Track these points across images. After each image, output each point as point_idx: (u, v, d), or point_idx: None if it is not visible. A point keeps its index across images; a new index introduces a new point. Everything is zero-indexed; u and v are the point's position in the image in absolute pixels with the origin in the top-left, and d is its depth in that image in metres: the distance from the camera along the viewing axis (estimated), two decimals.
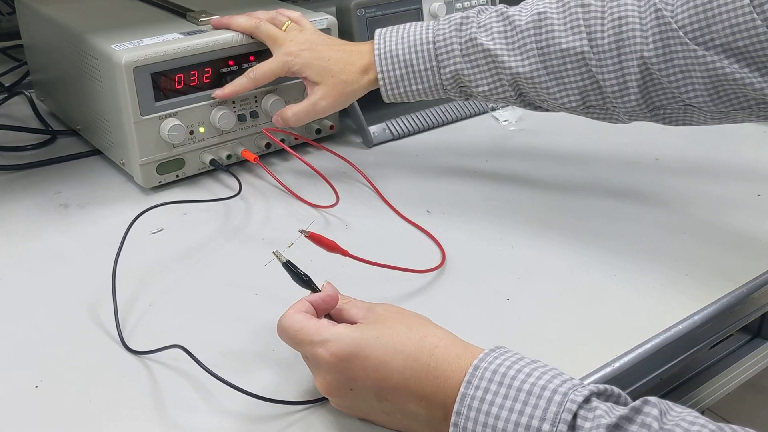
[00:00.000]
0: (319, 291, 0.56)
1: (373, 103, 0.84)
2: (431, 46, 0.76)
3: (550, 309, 0.64)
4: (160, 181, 0.82)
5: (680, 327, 0.61)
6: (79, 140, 0.94)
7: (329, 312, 0.55)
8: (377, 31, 0.79)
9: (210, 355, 0.57)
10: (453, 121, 1.01)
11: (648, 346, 0.59)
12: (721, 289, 0.66)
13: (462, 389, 0.47)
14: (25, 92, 1.05)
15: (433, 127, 0.99)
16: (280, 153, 0.90)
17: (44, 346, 0.60)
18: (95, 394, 0.55)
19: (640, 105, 0.70)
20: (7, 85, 1.09)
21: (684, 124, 0.72)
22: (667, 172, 0.87)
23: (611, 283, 0.67)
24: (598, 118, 0.75)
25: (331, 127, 0.94)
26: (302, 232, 0.60)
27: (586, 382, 0.55)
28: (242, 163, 0.87)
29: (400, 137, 0.96)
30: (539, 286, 0.67)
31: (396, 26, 0.79)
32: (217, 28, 0.83)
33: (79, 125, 0.93)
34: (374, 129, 0.94)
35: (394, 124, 0.96)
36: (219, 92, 0.81)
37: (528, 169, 0.88)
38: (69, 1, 0.95)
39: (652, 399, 0.44)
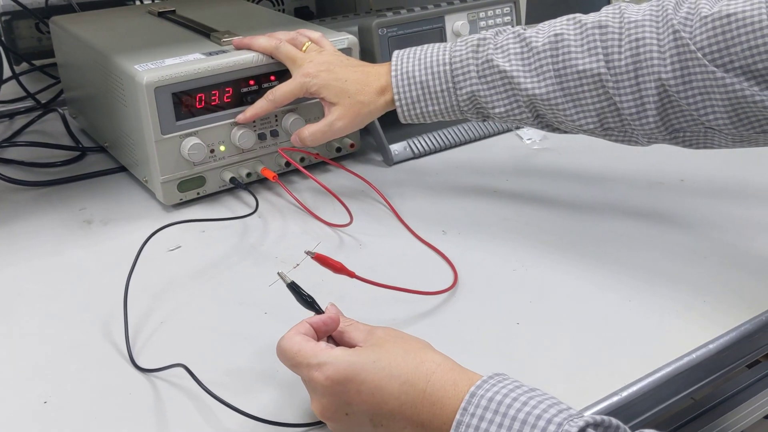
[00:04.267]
0: (323, 312, 0.56)
1: (394, 121, 0.84)
2: (447, 67, 0.75)
3: (561, 334, 0.63)
4: (181, 199, 0.84)
5: (693, 356, 0.60)
6: (107, 157, 0.97)
7: (331, 334, 0.55)
8: (395, 53, 0.79)
9: (215, 373, 0.58)
10: (476, 140, 1.01)
11: (658, 375, 0.58)
12: (741, 317, 0.64)
13: (458, 416, 0.46)
14: (59, 109, 1.09)
15: (456, 146, 0.99)
16: (300, 171, 0.90)
17: (56, 361, 0.61)
18: (101, 411, 0.55)
19: (659, 127, 0.69)
20: (43, 102, 1.12)
21: (705, 147, 0.70)
22: (691, 193, 0.85)
23: (626, 308, 0.66)
24: (617, 141, 0.73)
25: (352, 146, 0.94)
26: (308, 253, 0.61)
27: (592, 411, 0.55)
28: (262, 181, 0.88)
29: (421, 155, 0.96)
30: (551, 310, 0.66)
31: (414, 48, 0.79)
32: (238, 48, 0.84)
33: (107, 142, 0.95)
34: (395, 147, 0.94)
35: (416, 142, 0.96)
36: (241, 117, 0.82)
37: (549, 190, 0.87)
38: (98, 21, 0.98)
39: None
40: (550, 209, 0.83)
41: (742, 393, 0.87)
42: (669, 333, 0.63)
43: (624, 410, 0.56)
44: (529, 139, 1.00)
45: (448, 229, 0.79)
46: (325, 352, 0.50)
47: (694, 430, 0.82)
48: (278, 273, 0.58)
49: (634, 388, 0.56)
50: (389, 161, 0.94)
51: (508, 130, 1.03)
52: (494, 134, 1.02)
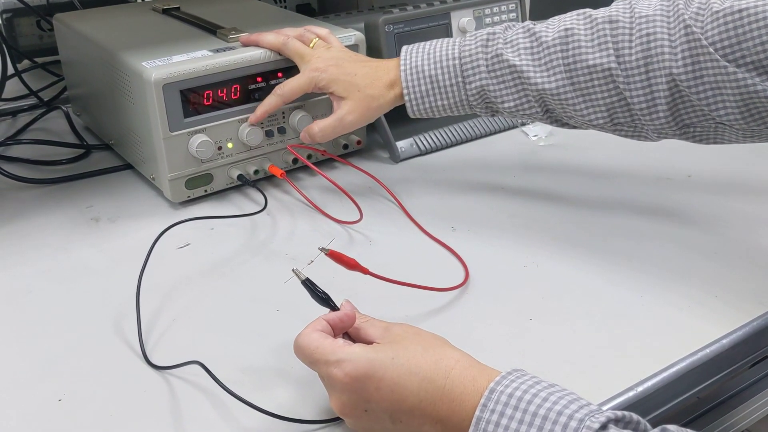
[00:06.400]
0: (338, 309, 0.56)
1: (400, 118, 0.84)
2: (457, 61, 0.75)
3: (574, 330, 0.63)
4: (189, 196, 0.83)
5: (707, 351, 0.60)
6: (113, 155, 0.96)
7: (347, 330, 0.55)
8: (404, 47, 0.79)
9: (229, 371, 0.58)
10: (482, 136, 1.01)
11: (673, 370, 0.58)
12: (752, 312, 0.64)
13: (477, 412, 0.46)
14: (62, 107, 1.08)
15: (462, 142, 0.99)
16: (308, 168, 0.90)
17: (69, 359, 0.61)
18: (116, 408, 0.55)
19: (669, 123, 0.69)
20: (46, 99, 1.11)
21: (715, 143, 0.71)
22: (699, 189, 0.85)
23: (637, 304, 0.66)
24: (626, 136, 0.73)
25: (359, 143, 0.94)
26: (322, 249, 0.61)
27: (608, 406, 0.55)
28: (270, 178, 0.88)
29: (427, 152, 0.96)
30: (563, 306, 0.66)
31: (423, 42, 0.79)
32: (245, 45, 0.84)
33: (112, 140, 0.95)
34: (401, 144, 0.94)
35: (422, 139, 0.96)
36: (252, 117, 0.82)
37: (556, 186, 0.87)
38: (103, 18, 0.98)
39: (672, 427, 0.43)
40: (557, 205, 0.83)
41: (747, 390, 0.87)
42: (682, 328, 0.63)
43: (639, 405, 0.56)
44: (535, 136, 1.00)
45: (457, 226, 0.79)
46: (343, 349, 0.50)
47: (699, 428, 0.82)
48: (293, 270, 0.57)
49: (650, 383, 0.57)
50: (396, 158, 0.94)
51: (514, 127, 1.03)
52: (500, 130, 1.02)
